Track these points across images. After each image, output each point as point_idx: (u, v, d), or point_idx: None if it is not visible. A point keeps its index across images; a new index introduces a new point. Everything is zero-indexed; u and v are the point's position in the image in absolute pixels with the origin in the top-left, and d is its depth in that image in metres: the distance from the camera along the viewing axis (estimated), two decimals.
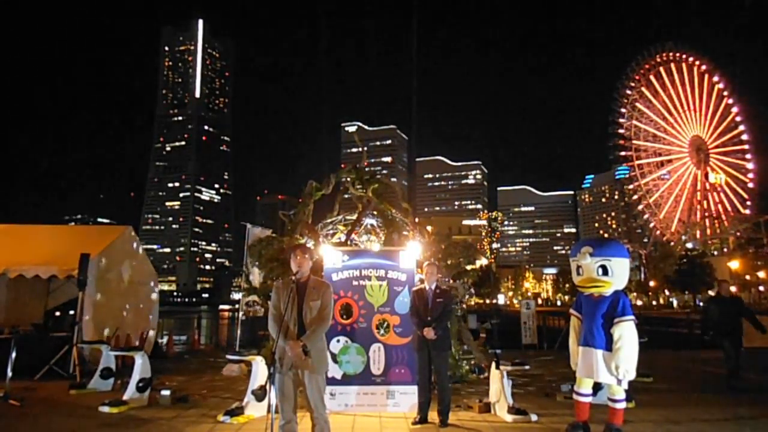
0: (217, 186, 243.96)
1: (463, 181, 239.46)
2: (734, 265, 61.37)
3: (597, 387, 5.85)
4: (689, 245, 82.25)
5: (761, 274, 62.38)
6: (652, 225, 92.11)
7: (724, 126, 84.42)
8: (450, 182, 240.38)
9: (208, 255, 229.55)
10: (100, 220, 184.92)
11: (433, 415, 5.90)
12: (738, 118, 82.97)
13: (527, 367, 6.75)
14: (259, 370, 6.28)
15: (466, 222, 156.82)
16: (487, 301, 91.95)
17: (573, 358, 5.34)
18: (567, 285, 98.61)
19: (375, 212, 10.69)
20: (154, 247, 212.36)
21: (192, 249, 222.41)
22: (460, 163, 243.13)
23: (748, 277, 63.58)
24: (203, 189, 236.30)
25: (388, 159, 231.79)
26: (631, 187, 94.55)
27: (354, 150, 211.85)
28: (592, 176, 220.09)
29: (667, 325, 27.46)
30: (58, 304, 11.53)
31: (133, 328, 11.15)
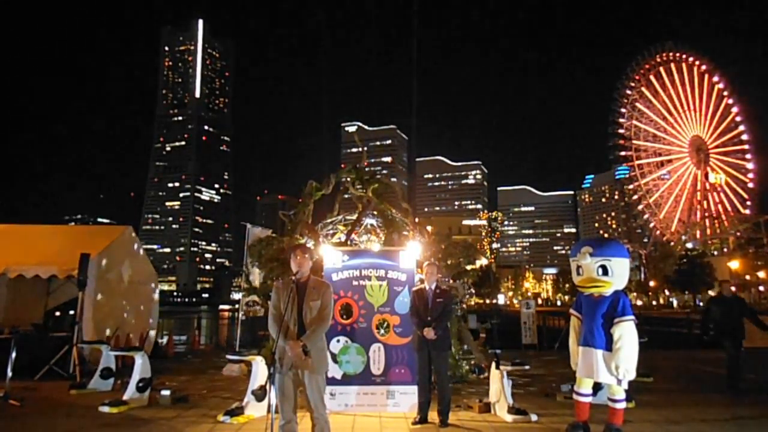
0: (217, 186, 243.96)
1: (463, 181, 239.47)
2: (734, 265, 61.39)
3: (597, 387, 5.85)
4: (689, 245, 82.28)
5: (761, 274, 62.41)
6: (652, 225, 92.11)
7: (724, 126, 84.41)
8: (450, 182, 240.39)
9: (208, 255, 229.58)
10: (100, 220, 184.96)
11: (433, 415, 5.89)
12: (738, 118, 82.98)
13: (527, 367, 6.74)
14: (259, 370, 6.27)
15: (466, 222, 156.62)
16: (487, 301, 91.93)
17: (573, 358, 5.34)
18: (567, 285, 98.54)
19: (375, 212, 10.69)
20: (154, 247, 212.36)
21: (192, 249, 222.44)
22: (460, 163, 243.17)
23: (748, 277, 63.62)
24: (203, 189, 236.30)
25: (388, 159, 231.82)
26: (631, 187, 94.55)
27: (354, 150, 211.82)
28: (592, 176, 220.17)
29: (667, 325, 27.45)
30: (58, 304, 11.54)
31: (133, 328, 11.16)
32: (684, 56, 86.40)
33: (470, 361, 9.12)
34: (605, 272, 5.04)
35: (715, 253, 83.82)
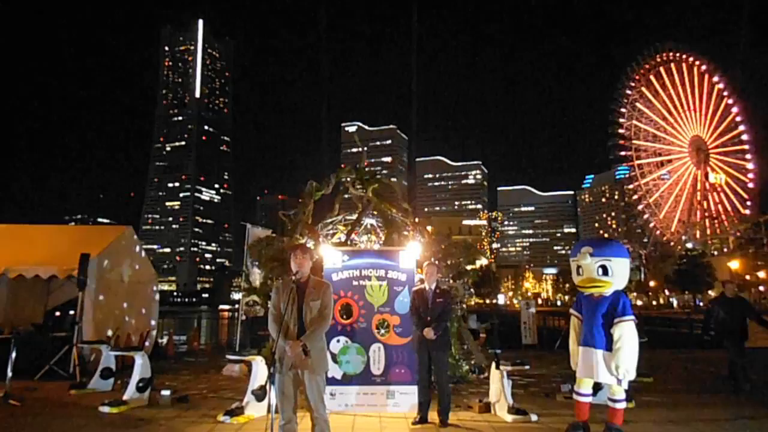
0: (217, 186, 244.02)
1: (463, 181, 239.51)
2: (734, 265, 61.33)
3: (597, 387, 5.85)
4: (689, 245, 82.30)
5: (761, 274, 62.38)
6: (652, 225, 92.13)
7: (724, 126, 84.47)
8: (450, 182, 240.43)
9: (208, 255, 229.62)
10: (100, 220, 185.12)
11: (433, 415, 5.89)
12: (738, 118, 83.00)
13: (527, 367, 6.74)
14: (259, 370, 6.27)
15: (466, 222, 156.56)
16: (487, 301, 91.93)
17: (573, 358, 5.34)
18: (567, 285, 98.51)
19: (375, 212, 10.70)
20: (154, 247, 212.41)
21: (192, 249, 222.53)
22: (460, 163, 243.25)
23: (748, 277, 63.53)
24: (203, 189, 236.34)
25: (388, 159, 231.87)
26: (631, 187, 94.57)
27: (354, 150, 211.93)
28: (592, 176, 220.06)
29: (667, 325, 27.47)
30: (58, 304, 11.52)
31: (134, 328, 11.15)
32: (684, 56, 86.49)
33: (470, 361, 9.12)
34: (605, 272, 5.03)
35: (715, 253, 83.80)
